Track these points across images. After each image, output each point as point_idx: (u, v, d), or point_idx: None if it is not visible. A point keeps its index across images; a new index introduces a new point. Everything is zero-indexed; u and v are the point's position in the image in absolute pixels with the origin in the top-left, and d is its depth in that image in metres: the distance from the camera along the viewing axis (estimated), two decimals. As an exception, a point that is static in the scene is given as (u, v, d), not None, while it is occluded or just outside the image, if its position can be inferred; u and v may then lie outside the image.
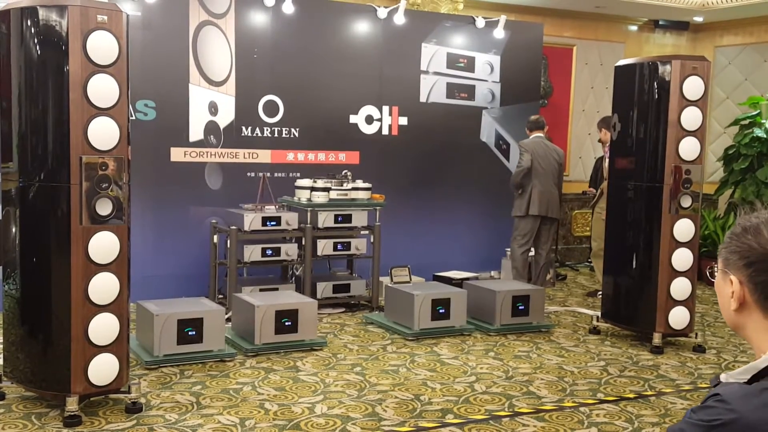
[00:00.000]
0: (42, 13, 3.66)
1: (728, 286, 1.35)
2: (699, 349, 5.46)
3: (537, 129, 7.11)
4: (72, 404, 3.72)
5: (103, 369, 3.79)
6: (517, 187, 6.91)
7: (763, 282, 1.30)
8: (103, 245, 3.75)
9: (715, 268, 1.40)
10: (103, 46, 3.66)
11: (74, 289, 3.70)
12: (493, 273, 7.81)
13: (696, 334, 5.53)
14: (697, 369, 5.06)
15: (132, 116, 6.17)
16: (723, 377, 1.31)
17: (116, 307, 3.82)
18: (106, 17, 3.67)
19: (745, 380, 1.27)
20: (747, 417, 1.20)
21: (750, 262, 1.31)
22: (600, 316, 5.88)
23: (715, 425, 1.21)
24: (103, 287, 3.76)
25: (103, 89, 3.68)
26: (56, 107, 3.67)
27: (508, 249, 7.49)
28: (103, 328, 3.77)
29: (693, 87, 5.26)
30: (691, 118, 5.27)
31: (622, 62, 5.76)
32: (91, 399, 3.94)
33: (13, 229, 3.84)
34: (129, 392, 3.95)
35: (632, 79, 5.51)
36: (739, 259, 1.33)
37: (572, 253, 9.31)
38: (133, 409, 3.93)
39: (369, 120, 7.33)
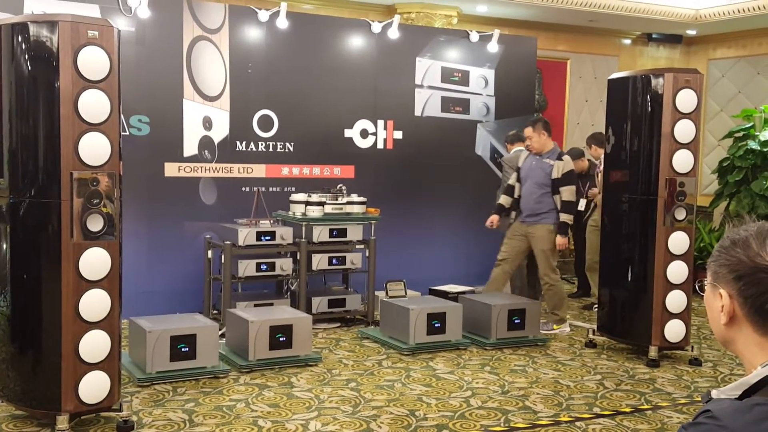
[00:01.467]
0: (33, 29, 3.65)
1: (718, 300, 1.33)
2: (695, 362, 5.44)
3: (518, 142, 7.08)
4: (62, 423, 3.68)
5: (94, 387, 3.75)
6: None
7: (753, 296, 1.28)
8: (95, 261, 3.72)
9: (705, 282, 1.38)
10: (94, 61, 3.66)
11: (65, 305, 3.67)
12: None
13: (692, 347, 5.50)
14: (693, 382, 5.03)
15: (126, 131, 6.17)
16: (714, 393, 1.29)
17: (107, 323, 3.79)
18: (97, 33, 3.66)
19: (737, 396, 1.25)
20: (738, 434, 1.18)
21: (739, 275, 1.29)
22: (596, 329, 5.86)
23: (706, 442, 1.19)
24: (94, 304, 3.73)
25: (94, 104, 3.67)
26: (47, 123, 3.65)
27: None
28: (94, 345, 3.74)
29: (686, 100, 5.27)
30: (684, 130, 5.28)
31: (615, 75, 5.77)
32: (82, 417, 3.90)
33: (4, 246, 3.81)
34: (120, 410, 3.91)
35: (625, 92, 5.52)
36: (729, 272, 1.31)
37: (568, 265, 9.29)
38: (125, 427, 3.89)
39: (364, 134, 7.32)
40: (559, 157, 6.26)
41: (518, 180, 6.48)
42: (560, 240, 6.19)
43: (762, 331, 1.29)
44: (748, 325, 1.30)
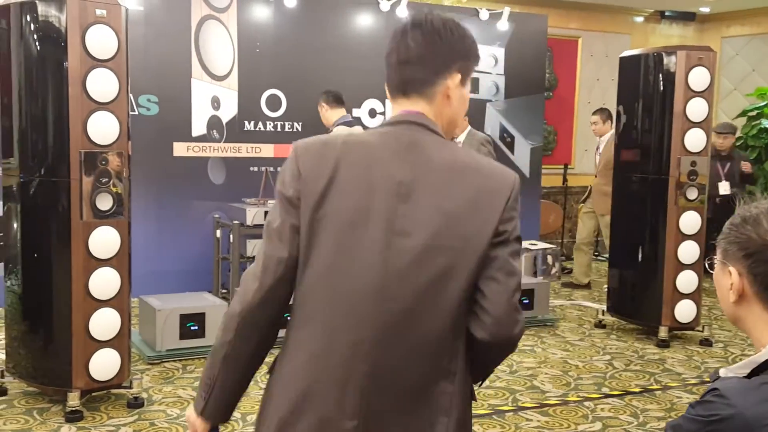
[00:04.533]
0: (41, 8, 3.64)
1: (727, 277, 1.32)
2: (706, 342, 5.42)
3: None
4: (73, 399, 3.72)
5: (104, 364, 3.78)
6: None
7: (763, 273, 1.27)
8: (104, 240, 3.73)
9: (714, 260, 1.37)
10: (102, 40, 3.65)
11: (75, 284, 3.69)
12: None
13: (703, 327, 5.48)
14: (703, 363, 5.02)
15: (134, 111, 6.16)
16: (722, 372, 1.28)
17: (117, 302, 3.81)
18: (105, 11, 3.65)
19: (745, 374, 1.24)
20: (746, 412, 1.17)
21: (749, 253, 1.28)
22: (606, 309, 5.85)
23: (713, 420, 1.19)
24: (104, 282, 3.74)
25: (102, 84, 3.66)
26: (56, 102, 3.65)
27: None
28: (104, 323, 3.76)
29: (699, 78, 5.21)
30: (696, 109, 5.22)
31: (626, 53, 5.71)
32: (93, 394, 3.93)
33: (15, 225, 3.83)
34: (131, 387, 3.94)
35: (637, 70, 5.46)
36: (738, 250, 1.29)
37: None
38: (135, 404, 3.92)
39: (372, 113, 7.29)
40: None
41: None
42: None
43: (772, 309, 1.27)
44: (757, 302, 1.29)
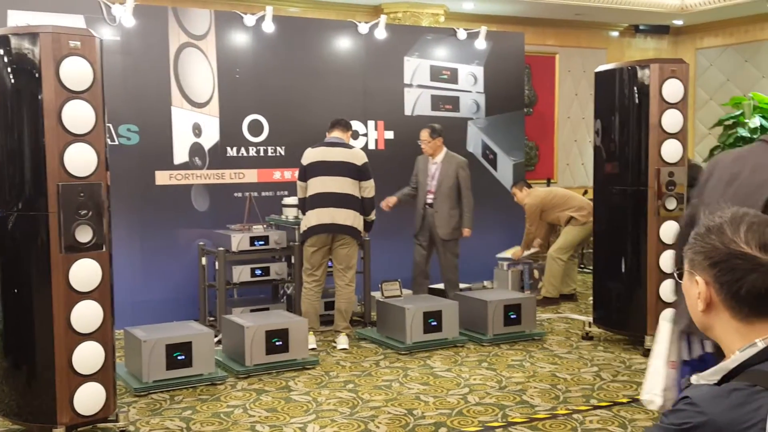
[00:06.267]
0: (14, 42, 3.64)
1: (694, 287, 1.34)
2: (692, 351, 5.44)
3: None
4: (59, 435, 3.67)
5: (89, 398, 3.74)
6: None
7: (729, 282, 1.28)
8: (85, 273, 3.71)
9: (682, 269, 1.38)
10: (76, 72, 3.65)
11: (56, 318, 3.66)
12: (485, 283, 7.78)
13: (689, 336, 5.50)
14: (690, 371, 5.03)
15: (115, 141, 6.16)
16: (693, 379, 1.29)
17: (100, 334, 3.78)
18: (79, 43, 3.65)
19: (716, 381, 1.25)
20: (717, 419, 1.18)
21: (714, 262, 1.30)
22: (592, 321, 5.86)
23: (685, 428, 1.19)
24: (86, 315, 3.72)
25: (78, 115, 3.66)
26: (32, 135, 3.64)
27: (501, 255, 7.52)
28: (88, 356, 3.73)
29: (672, 90, 5.28)
30: (671, 120, 5.28)
31: (601, 68, 5.78)
32: (79, 429, 3.89)
33: (-6, 260, 3.80)
34: (117, 421, 3.91)
35: (612, 84, 5.53)
36: (704, 259, 1.31)
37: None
38: (122, 437, 3.89)
39: (354, 135, 7.30)
40: None
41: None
42: None
43: (739, 316, 1.29)
44: (725, 311, 1.30)
